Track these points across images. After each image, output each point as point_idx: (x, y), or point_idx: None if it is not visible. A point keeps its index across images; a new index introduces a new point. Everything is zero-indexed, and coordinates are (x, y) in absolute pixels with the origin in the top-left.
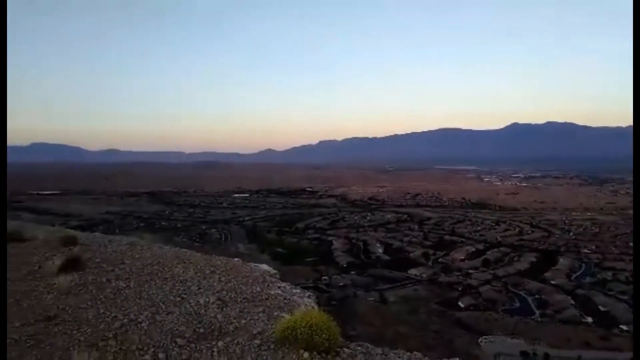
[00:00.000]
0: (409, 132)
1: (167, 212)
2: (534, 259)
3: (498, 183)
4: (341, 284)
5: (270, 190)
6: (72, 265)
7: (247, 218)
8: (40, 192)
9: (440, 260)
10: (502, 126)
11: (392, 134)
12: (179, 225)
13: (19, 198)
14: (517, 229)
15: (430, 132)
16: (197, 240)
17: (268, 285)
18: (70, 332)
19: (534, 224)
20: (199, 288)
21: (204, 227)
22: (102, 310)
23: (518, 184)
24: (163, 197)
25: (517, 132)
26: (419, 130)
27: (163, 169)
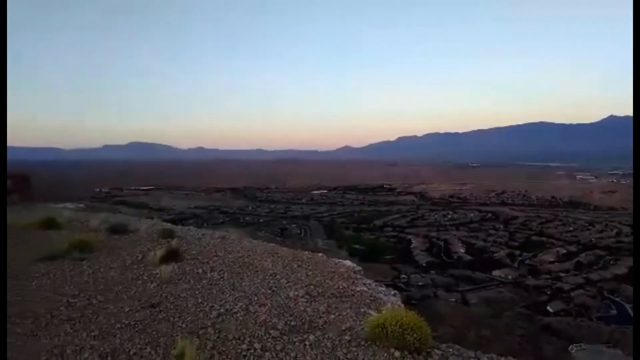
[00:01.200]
0: (492, 126)
1: (250, 208)
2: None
3: (593, 180)
4: (420, 283)
5: (347, 187)
6: (171, 256)
7: (325, 214)
8: (137, 188)
9: (527, 261)
10: (597, 119)
11: (475, 128)
12: (261, 220)
13: (118, 193)
14: (615, 230)
15: (516, 126)
16: (279, 234)
17: (353, 282)
18: (173, 319)
19: None
20: (288, 282)
21: (284, 222)
22: (200, 300)
23: (616, 181)
24: (246, 193)
25: (615, 125)
26: (504, 125)
27: (246, 165)
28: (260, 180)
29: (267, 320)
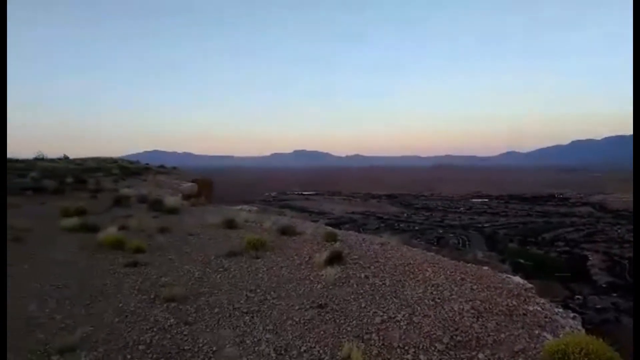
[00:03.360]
0: None
1: (405, 215)
2: None
3: None
4: (599, 306)
5: (512, 196)
6: (335, 259)
7: (485, 224)
8: (299, 193)
9: None
10: None
11: None
12: (416, 227)
13: (283, 197)
14: None
15: None
16: (434, 243)
17: (524, 300)
18: (339, 321)
19: None
20: (451, 294)
21: (440, 230)
22: (363, 305)
23: None
24: (401, 200)
25: None
26: None
27: (401, 172)
28: (416, 187)
29: (432, 332)
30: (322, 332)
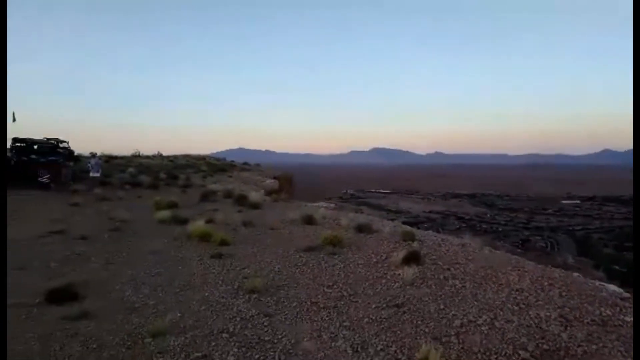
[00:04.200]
0: None
1: (488, 215)
2: None
3: None
4: None
5: (607, 197)
6: (413, 259)
7: (577, 227)
8: (377, 190)
9: None
10: None
11: None
12: (499, 229)
13: (361, 195)
14: None
15: None
16: (519, 246)
17: (621, 310)
18: (416, 322)
19: None
20: (537, 300)
21: (526, 233)
22: (442, 306)
23: None
24: (484, 200)
25: None
26: None
27: (485, 170)
28: (501, 186)
29: (515, 339)
30: (398, 332)
